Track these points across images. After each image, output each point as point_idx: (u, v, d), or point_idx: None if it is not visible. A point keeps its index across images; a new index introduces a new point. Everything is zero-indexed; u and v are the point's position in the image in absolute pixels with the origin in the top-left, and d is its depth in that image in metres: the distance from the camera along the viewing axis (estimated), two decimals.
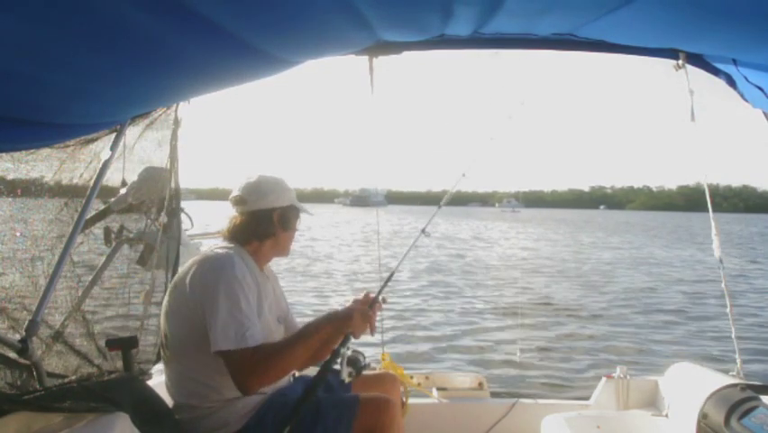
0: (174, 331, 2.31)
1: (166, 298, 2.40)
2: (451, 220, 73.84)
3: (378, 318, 2.57)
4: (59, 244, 2.40)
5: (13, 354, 2.12)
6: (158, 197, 3.07)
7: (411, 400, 3.26)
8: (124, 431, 1.98)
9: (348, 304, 2.53)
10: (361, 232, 45.27)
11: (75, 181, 2.55)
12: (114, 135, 2.58)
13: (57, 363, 2.43)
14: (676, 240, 45.12)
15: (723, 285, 3.31)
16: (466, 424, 3.62)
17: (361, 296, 2.60)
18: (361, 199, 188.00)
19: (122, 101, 2.12)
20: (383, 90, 3.01)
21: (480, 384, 3.87)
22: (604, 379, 3.66)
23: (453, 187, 3.16)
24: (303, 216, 2.64)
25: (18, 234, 2.34)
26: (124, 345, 2.54)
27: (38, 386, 2.14)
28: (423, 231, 3.02)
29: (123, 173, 2.89)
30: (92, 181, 2.54)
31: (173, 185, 3.19)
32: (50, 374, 2.28)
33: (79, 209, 2.48)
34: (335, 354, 2.37)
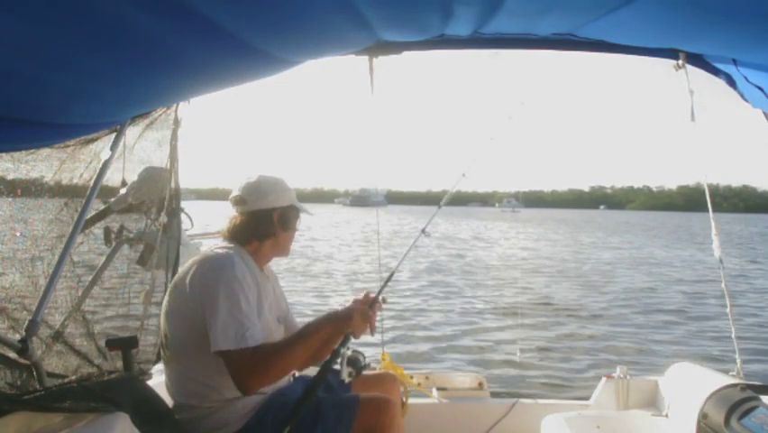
0: (174, 331, 2.31)
1: (166, 298, 2.40)
2: (451, 220, 73.84)
3: (378, 318, 2.57)
4: (59, 244, 2.40)
5: (13, 354, 2.12)
6: (158, 197, 3.07)
7: (411, 400, 3.26)
8: (124, 431, 1.98)
9: (348, 304, 2.53)
10: (361, 232, 45.27)
11: (75, 181, 2.54)
12: (114, 135, 2.58)
13: (57, 363, 2.43)
14: (676, 240, 45.13)
15: (723, 285, 3.31)
16: (466, 424, 3.62)
17: (360, 296, 2.60)
18: (361, 199, 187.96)
19: (122, 101, 2.12)
20: (383, 90, 3.01)
21: (480, 384, 3.87)
22: (604, 379, 3.66)
23: (453, 187, 3.16)
24: (303, 216, 2.64)
25: (18, 234, 2.34)
26: (124, 345, 2.54)
27: (38, 386, 2.14)
28: (423, 231, 3.02)
29: (123, 173, 2.89)
30: (92, 181, 2.54)
31: (173, 185, 3.19)
32: (50, 374, 2.28)
33: (79, 209, 2.48)
34: (335, 354, 2.37)
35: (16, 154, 2.22)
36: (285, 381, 2.56)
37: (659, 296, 15.41)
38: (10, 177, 2.23)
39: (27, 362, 2.16)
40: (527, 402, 3.71)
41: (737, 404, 2.63)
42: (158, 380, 2.56)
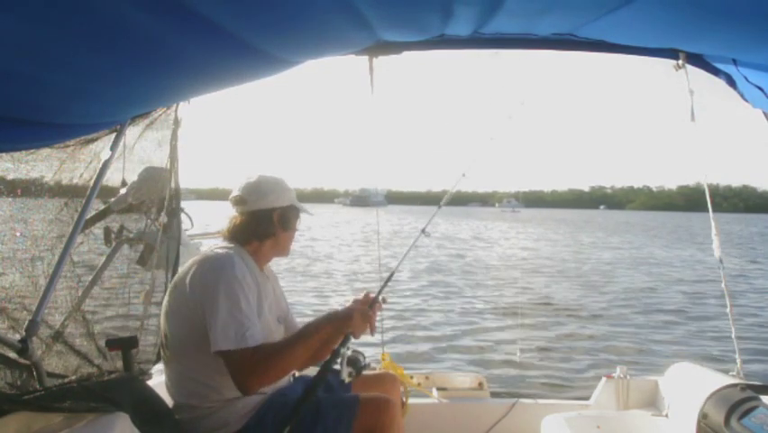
0: (174, 331, 2.31)
1: (166, 298, 2.40)
2: (451, 220, 73.81)
3: (378, 318, 2.57)
4: (59, 244, 2.40)
5: (13, 354, 2.12)
6: (158, 197, 3.07)
7: (411, 400, 3.26)
8: (124, 431, 1.98)
9: (348, 304, 2.53)
10: (361, 232, 45.27)
11: (75, 181, 2.54)
12: (114, 135, 2.58)
13: (57, 363, 2.43)
14: (676, 240, 45.14)
15: (723, 285, 3.31)
16: (466, 424, 3.62)
17: (360, 296, 2.60)
18: (361, 199, 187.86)
19: (122, 101, 2.12)
20: (383, 90, 3.01)
21: (480, 384, 3.87)
22: (604, 379, 3.66)
23: (453, 187, 3.16)
24: (303, 216, 2.64)
25: (18, 234, 2.34)
26: (124, 345, 2.54)
27: (38, 386, 2.14)
28: (423, 231, 3.02)
29: (123, 173, 2.89)
30: (92, 181, 2.54)
31: (173, 185, 3.19)
32: (50, 374, 2.28)
33: (79, 209, 2.48)
34: (335, 354, 2.37)
35: (16, 154, 2.22)
36: (285, 381, 2.56)
37: (659, 296, 15.41)
38: (10, 177, 2.23)
39: (27, 362, 2.15)
40: (527, 402, 3.71)
41: (737, 404, 2.63)
42: (158, 380, 2.56)
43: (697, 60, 2.67)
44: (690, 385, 3.11)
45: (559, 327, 10.78)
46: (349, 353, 2.45)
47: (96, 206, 2.77)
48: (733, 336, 3.25)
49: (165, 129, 3.02)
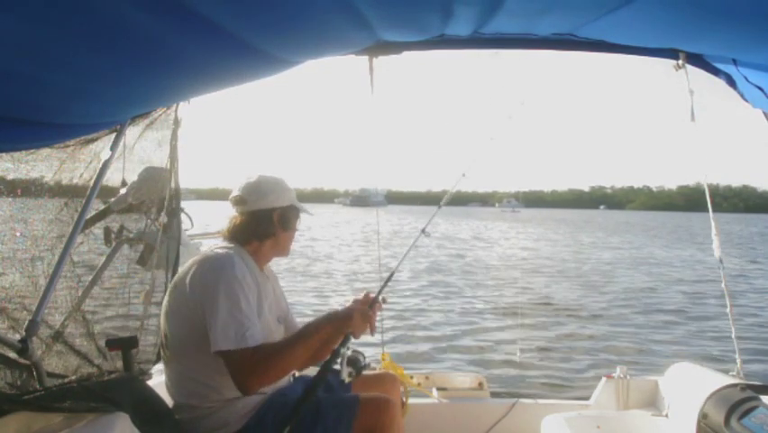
0: (174, 331, 2.31)
1: (166, 298, 2.40)
2: (451, 220, 73.78)
3: (378, 318, 2.57)
4: (59, 244, 2.40)
5: (13, 354, 2.12)
6: (158, 197, 3.07)
7: (411, 400, 3.26)
8: (124, 431, 1.98)
9: (348, 304, 2.53)
10: (361, 232, 45.27)
11: (75, 181, 2.54)
12: (114, 135, 2.58)
13: (57, 363, 2.43)
14: (676, 240, 45.15)
15: (723, 285, 3.31)
16: (466, 424, 3.62)
17: (360, 296, 2.60)
18: (361, 199, 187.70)
19: (122, 101, 2.12)
20: (383, 90, 3.01)
21: (480, 384, 3.87)
22: (604, 379, 3.66)
23: (453, 187, 3.17)
24: (303, 216, 2.64)
25: (18, 234, 2.34)
26: (124, 345, 2.54)
27: (38, 386, 2.14)
28: (423, 231, 3.02)
29: (123, 173, 2.89)
30: (92, 181, 2.54)
31: (173, 185, 3.19)
32: (50, 374, 2.28)
33: (79, 209, 2.48)
34: (335, 354, 2.37)
35: (16, 154, 2.22)
36: (285, 381, 2.56)
37: (659, 296, 15.41)
38: (10, 177, 2.23)
39: (27, 362, 2.15)
40: (527, 402, 3.71)
41: (737, 404, 2.63)
42: (158, 380, 2.56)
43: (697, 60, 2.67)
44: (690, 385, 3.11)
45: (559, 327, 10.78)
46: (349, 353, 2.45)
47: (96, 206, 2.77)
48: (733, 336, 3.25)
49: (165, 129, 3.02)
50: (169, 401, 2.30)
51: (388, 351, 3.69)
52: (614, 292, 15.76)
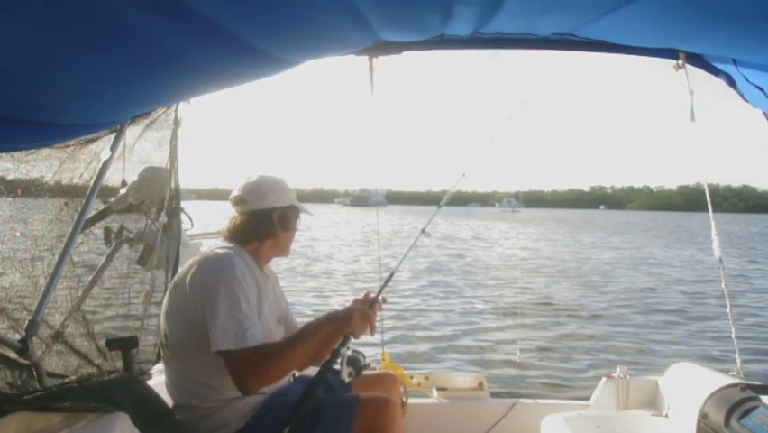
0: (174, 331, 2.31)
1: (166, 298, 2.40)
2: (451, 220, 73.71)
3: (378, 318, 2.57)
4: (59, 244, 2.40)
5: (13, 354, 2.12)
6: (158, 197, 3.07)
7: (411, 400, 3.26)
8: (124, 431, 1.98)
9: (348, 304, 2.53)
10: (361, 232, 45.26)
11: (75, 181, 2.55)
12: (114, 135, 2.58)
13: (57, 363, 2.43)
14: (676, 240, 45.17)
15: (723, 285, 3.31)
16: (466, 424, 3.61)
17: (361, 296, 2.60)
18: (360, 199, 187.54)
19: (122, 101, 2.12)
20: (383, 90, 3.01)
21: (480, 384, 3.87)
22: (604, 379, 3.66)
23: (453, 187, 3.17)
24: (303, 216, 2.64)
25: (18, 234, 2.34)
26: (124, 345, 2.54)
27: (38, 386, 2.14)
28: (423, 231, 3.02)
29: (123, 173, 2.89)
30: (92, 181, 2.54)
31: (173, 185, 3.19)
32: (50, 374, 2.28)
33: (79, 209, 2.48)
34: (335, 354, 2.38)
35: (16, 154, 2.22)
36: (285, 381, 2.56)
37: (659, 296, 15.42)
38: (10, 177, 2.23)
39: (27, 362, 2.15)
40: (527, 402, 3.71)
41: (737, 404, 2.63)
42: (158, 380, 2.56)
43: (697, 60, 2.67)
44: (690, 385, 3.11)
45: (559, 327, 10.78)
46: (349, 353, 2.45)
47: (96, 206, 2.77)
48: (733, 336, 3.25)
49: (165, 129, 3.02)
50: (169, 401, 2.30)
51: (388, 351, 3.70)
52: (614, 292, 15.76)
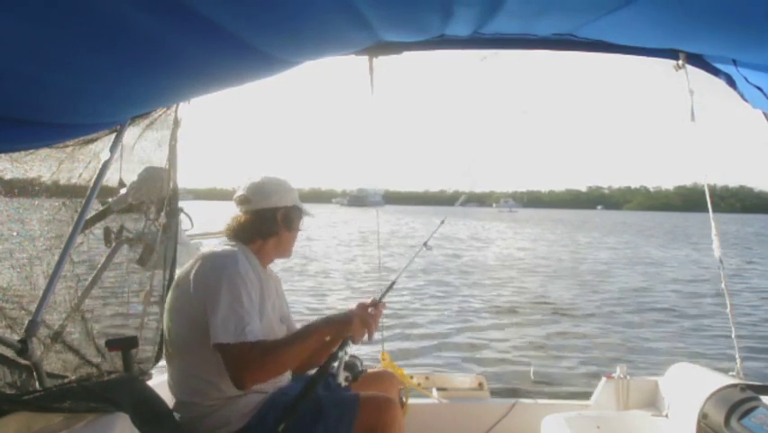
0: (177, 328, 2.31)
1: (169, 295, 2.40)
2: (449, 220, 73.11)
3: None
4: (58, 245, 2.40)
5: (12, 355, 2.12)
6: (157, 197, 3.06)
7: (411, 400, 3.25)
8: (124, 431, 1.98)
9: (351, 307, 2.54)
10: (359, 232, 45.21)
11: (74, 181, 2.55)
12: (114, 135, 2.58)
13: (57, 364, 2.44)
14: (671, 240, 45.27)
15: (723, 285, 3.31)
16: (466, 424, 3.62)
17: (368, 300, 2.61)
18: (358, 199, 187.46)
19: (122, 101, 2.12)
20: (383, 90, 3.02)
21: (480, 384, 3.87)
22: (604, 379, 3.66)
23: (470, 187, 3.21)
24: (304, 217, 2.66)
25: (17, 234, 2.34)
26: (124, 345, 2.54)
27: (38, 386, 2.14)
28: (424, 244, 3.15)
29: (123, 173, 2.89)
30: (91, 181, 2.54)
31: (171, 185, 3.18)
32: (50, 374, 2.28)
33: (78, 210, 2.47)
34: (333, 356, 2.39)
35: (15, 154, 2.21)
36: (286, 380, 2.55)
37: (659, 296, 15.45)
38: (8, 177, 2.23)
39: (27, 362, 2.16)
40: (527, 402, 3.71)
41: (737, 404, 2.63)
42: (158, 380, 2.56)
43: (697, 60, 2.67)
44: (690, 385, 3.12)
45: (559, 328, 10.82)
46: (346, 358, 2.46)
47: (96, 206, 2.76)
48: (733, 336, 3.26)
49: (165, 129, 3.02)
50: (170, 401, 2.30)
51: (388, 351, 3.69)
52: (614, 292, 15.81)
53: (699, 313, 12.56)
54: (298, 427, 2.25)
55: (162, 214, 3.05)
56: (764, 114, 2.64)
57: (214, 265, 2.25)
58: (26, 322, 2.19)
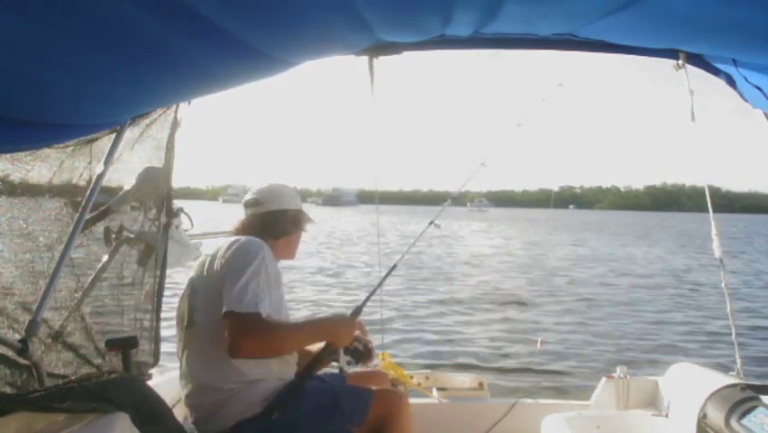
0: (201, 309, 2.36)
1: (191, 278, 2.48)
2: (416, 220, 72.01)
3: (378, 317, 2.65)
4: (58, 244, 2.41)
5: (13, 354, 2.11)
6: (158, 197, 3.07)
7: (411, 400, 3.25)
8: (124, 431, 1.97)
9: (346, 315, 2.62)
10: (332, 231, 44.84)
11: (75, 181, 2.57)
12: (114, 135, 2.59)
13: (57, 364, 2.44)
14: (665, 238, 45.32)
15: (723, 285, 3.31)
16: (466, 424, 3.62)
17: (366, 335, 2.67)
18: (333, 199, 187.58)
19: (122, 101, 2.12)
20: (367, 90, 3.03)
21: (480, 384, 3.87)
22: (604, 379, 3.66)
23: (461, 186, 3.18)
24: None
25: (18, 234, 2.35)
26: (124, 345, 2.54)
27: (38, 386, 2.14)
28: (427, 233, 3.21)
29: (123, 173, 2.89)
30: (92, 181, 2.54)
31: (169, 185, 3.19)
32: (50, 374, 2.29)
33: (79, 209, 2.48)
34: (315, 360, 2.54)
35: (16, 154, 2.22)
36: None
37: (659, 296, 15.45)
38: (10, 177, 2.24)
39: (27, 362, 2.16)
40: (527, 402, 3.71)
41: (737, 404, 2.64)
42: (158, 380, 2.56)
43: (697, 60, 2.67)
44: (690, 385, 3.12)
45: (559, 327, 10.82)
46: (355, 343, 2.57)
47: (96, 206, 2.76)
48: (733, 336, 3.26)
49: (165, 130, 3.02)
50: (170, 400, 2.31)
51: (388, 351, 3.69)
52: (613, 293, 15.80)
53: (705, 314, 12.57)
54: (317, 414, 2.36)
55: (162, 214, 3.06)
56: (765, 113, 2.64)
57: (243, 247, 2.35)
58: (26, 322, 2.19)
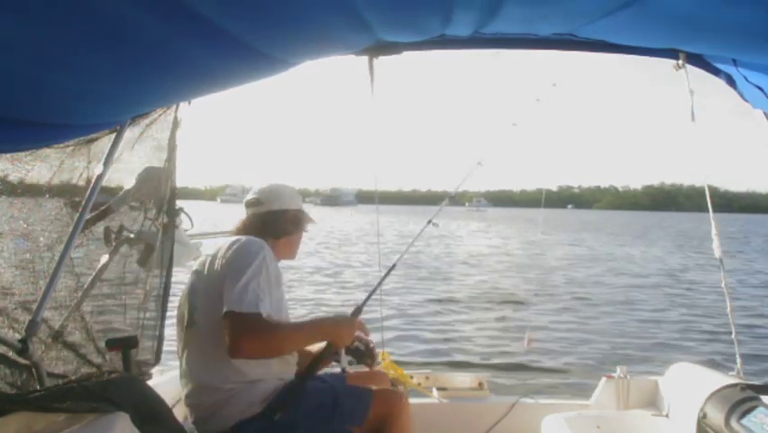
0: (201, 309, 2.36)
1: (191, 278, 2.47)
2: (415, 220, 72.05)
3: (377, 316, 2.66)
4: (58, 244, 2.41)
5: (13, 354, 2.11)
6: (158, 197, 3.07)
7: (411, 400, 3.25)
8: (124, 431, 1.97)
9: (347, 315, 2.62)
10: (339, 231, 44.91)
11: (75, 181, 2.56)
12: (114, 135, 2.59)
13: (57, 364, 2.44)
14: (663, 238, 45.38)
15: (723, 285, 3.31)
16: (466, 424, 3.62)
17: (368, 335, 2.68)
18: (331, 199, 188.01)
19: (122, 101, 2.12)
20: (367, 90, 3.03)
21: (481, 384, 3.87)
22: (604, 379, 3.66)
23: (464, 180, 3.19)
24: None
25: (18, 234, 2.35)
26: (124, 345, 2.54)
27: (38, 386, 2.14)
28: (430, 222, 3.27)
29: (123, 173, 2.89)
30: (92, 181, 2.54)
31: (170, 185, 3.18)
32: (50, 374, 2.28)
33: (79, 209, 2.48)
34: (316, 360, 2.53)
35: (16, 154, 2.21)
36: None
37: (658, 296, 15.45)
38: (10, 177, 2.23)
39: (27, 362, 2.16)
40: (527, 402, 3.71)
41: (737, 404, 2.64)
42: (158, 380, 2.56)
43: (697, 60, 2.68)
44: (690, 385, 3.12)
45: (559, 327, 10.81)
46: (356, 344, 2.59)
47: (96, 206, 2.76)
48: (733, 335, 3.27)
49: (164, 130, 3.02)
50: (170, 400, 2.31)
51: (389, 350, 3.69)
52: (613, 293, 15.79)
53: (705, 313, 12.57)
54: (317, 414, 2.36)
55: (162, 214, 3.06)
56: (765, 113, 2.64)
57: (244, 247, 2.35)
58: (26, 322, 2.19)
